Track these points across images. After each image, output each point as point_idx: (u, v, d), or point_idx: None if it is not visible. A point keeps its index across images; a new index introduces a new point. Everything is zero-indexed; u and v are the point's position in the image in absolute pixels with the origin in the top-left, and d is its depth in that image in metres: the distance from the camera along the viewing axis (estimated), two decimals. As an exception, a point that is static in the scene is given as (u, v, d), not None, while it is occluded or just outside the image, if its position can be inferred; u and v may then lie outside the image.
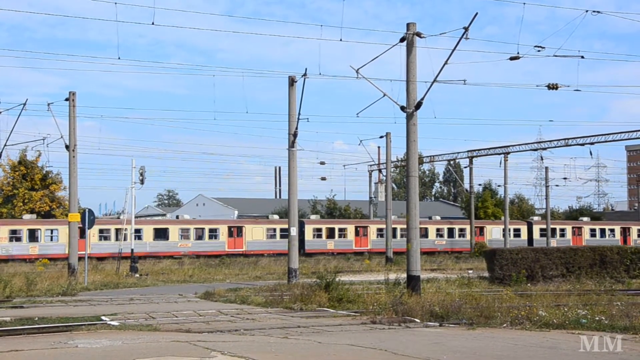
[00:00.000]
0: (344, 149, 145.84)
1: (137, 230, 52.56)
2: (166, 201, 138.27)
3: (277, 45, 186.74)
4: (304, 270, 36.11)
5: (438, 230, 67.72)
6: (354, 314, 18.58)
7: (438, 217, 71.78)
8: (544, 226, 70.28)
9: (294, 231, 31.29)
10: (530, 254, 31.01)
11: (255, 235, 58.68)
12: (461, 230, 68.55)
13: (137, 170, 41.50)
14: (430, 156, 77.00)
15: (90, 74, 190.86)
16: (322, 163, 68.69)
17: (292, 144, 31.03)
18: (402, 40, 23.40)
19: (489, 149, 68.52)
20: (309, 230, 61.55)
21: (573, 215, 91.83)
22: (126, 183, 61.44)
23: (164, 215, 79.14)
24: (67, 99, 34.87)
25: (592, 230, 73.51)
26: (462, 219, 75.90)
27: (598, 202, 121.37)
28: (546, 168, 75.16)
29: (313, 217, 68.93)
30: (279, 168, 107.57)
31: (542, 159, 75.53)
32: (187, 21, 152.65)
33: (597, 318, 15.69)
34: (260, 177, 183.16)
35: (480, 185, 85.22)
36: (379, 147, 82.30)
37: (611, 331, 14.38)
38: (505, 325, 15.64)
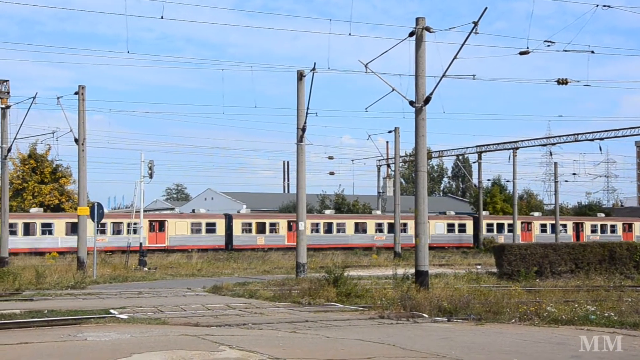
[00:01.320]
0: (352, 143, 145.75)
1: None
2: (175, 195, 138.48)
3: (286, 39, 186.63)
4: (312, 265, 36.12)
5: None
6: (362, 308, 18.58)
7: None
8: (491, 221, 69.83)
9: (302, 226, 31.30)
10: (539, 249, 30.95)
11: (179, 230, 57.04)
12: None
13: (146, 164, 41.55)
14: (439, 151, 76.87)
15: (100, 68, 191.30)
16: (331, 158, 68.79)
17: (300, 139, 31.01)
18: (411, 34, 23.35)
19: (498, 144, 68.35)
20: (237, 225, 59.41)
21: (582, 211, 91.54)
22: (135, 177, 61.62)
23: (173, 209, 79.25)
24: (76, 93, 34.92)
25: (543, 226, 72.53)
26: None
27: (607, 198, 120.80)
28: (555, 163, 74.91)
29: (243, 211, 67.26)
30: (288, 162, 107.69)
31: (551, 155, 75.35)
32: (196, 15, 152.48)
33: (606, 314, 15.64)
34: (269, 172, 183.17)
35: (489, 180, 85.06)
36: (387, 142, 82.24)
37: (620, 327, 14.34)
38: (513, 320, 15.61)
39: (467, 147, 71.62)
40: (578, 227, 73.54)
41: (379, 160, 75.94)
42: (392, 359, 10.46)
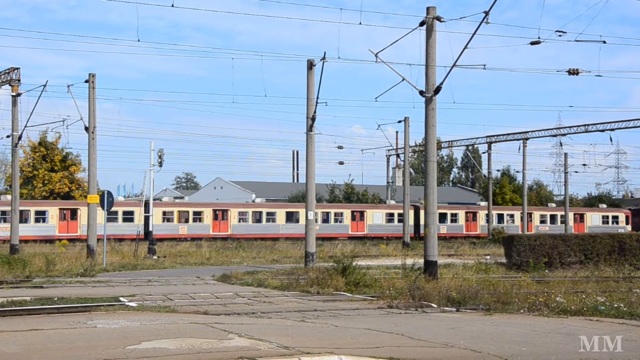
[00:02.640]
0: (362, 133, 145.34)
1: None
2: (184, 184, 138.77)
3: (296, 28, 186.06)
4: (320, 255, 36.18)
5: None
6: (370, 298, 18.59)
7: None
8: (441, 211, 66.01)
9: (311, 215, 31.33)
10: (549, 240, 30.90)
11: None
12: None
13: (156, 153, 41.66)
14: (449, 141, 76.71)
15: (110, 56, 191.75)
16: (340, 147, 68.62)
17: (310, 128, 31.00)
18: (421, 24, 23.27)
19: (508, 134, 68.17)
20: (157, 213, 54.64)
21: (591, 202, 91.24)
22: (145, 165, 61.65)
23: (182, 197, 79.45)
24: (86, 81, 35.02)
25: (510, 216, 71.15)
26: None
27: (617, 189, 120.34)
28: (565, 154, 74.70)
29: (165, 199, 64.54)
30: (297, 152, 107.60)
31: (561, 145, 75.18)
32: (206, 4, 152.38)
33: (615, 305, 15.60)
34: (278, 161, 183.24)
35: (498, 171, 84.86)
36: (397, 132, 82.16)
37: (630, 318, 14.31)
38: (522, 311, 15.59)
39: (477, 138, 71.47)
40: (527, 217, 70.46)
41: (389, 150, 75.85)
42: (400, 348, 10.46)
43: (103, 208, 31.87)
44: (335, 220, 62.45)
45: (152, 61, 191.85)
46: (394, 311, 15.95)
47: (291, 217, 61.38)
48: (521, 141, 65.79)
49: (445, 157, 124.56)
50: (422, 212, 63.47)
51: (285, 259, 37.20)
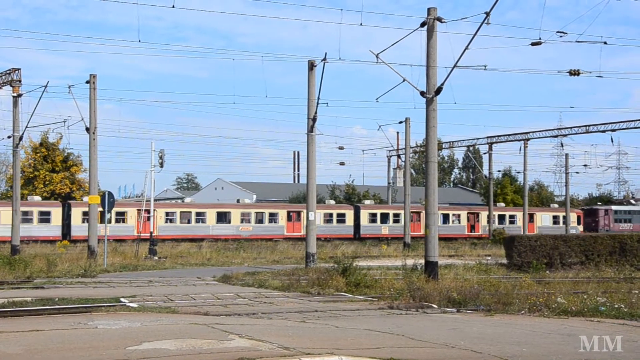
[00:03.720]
0: (363, 134, 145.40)
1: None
2: (185, 185, 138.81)
3: (297, 29, 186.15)
4: (321, 255, 36.18)
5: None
6: (371, 299, 18.59)
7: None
8: (374, 211, 64.83)
9: (312, 216, 31.33)
10: (549, 241, 30.91)
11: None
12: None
13: (157, 154, 41.72)
14: (450, 142, 76.71)
15: (111, 57, 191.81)
16: (341, 148, 68.59)
17: (311, 129, 31.00)
18: (422, 25, 23.28)
19: (509, 135, 68.16)
20: (76, 214, 52.51)
21: (593, 202, 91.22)
22: (145, 166, 61.58)
23: (183, 198, 79.49)
24: (87, 82, 35.05)
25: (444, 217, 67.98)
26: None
27: (618, 189, 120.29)
28: (566, 155, 74.67)
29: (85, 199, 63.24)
30: (298, 152, 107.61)
31: (562, 146, 75.05)
32: (206, 4, 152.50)
33: (616, 306, 15.61)
34: (279, 162, 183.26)
35: (499, 171, 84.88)
36: (397, 133, 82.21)
37: (631, 319, 14.31)
38: (523, 312, 15.60)
39: (477, 138, 71.45)
40: (474, 218, 69.21)
41: (390, 150, 75.85)
42: (401, 349, 10.47)
43: (104, 209, 31.87)
44: (271, 221, 59.82)
45: (153, 62, 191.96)
46: (394, 312, 15.95)
47: (223, 218, 58.34)
48: (522, 142, 65.79)
49: (446, 158, 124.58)
50: (362, 212, 63.05)
51: (286, 259, 37.22)
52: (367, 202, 68.86)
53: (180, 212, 57.05)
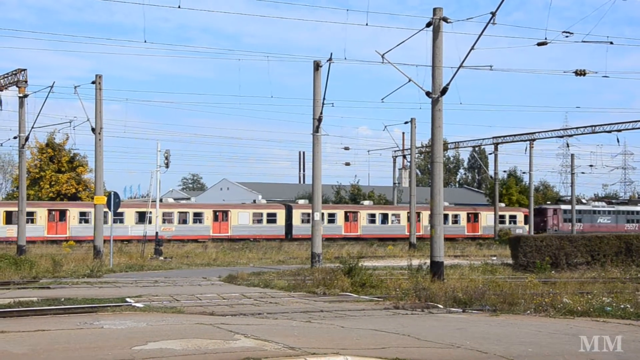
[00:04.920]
0: (368, 134, 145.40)
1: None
2: (191, 185, 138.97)
3: (303, 29, 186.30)
4: (327, 256, 36.18)
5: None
6: (376, 299, 18.58)
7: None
8: (307, 210, 60.57)
9: (317, 216, 31.35)
10: (555, 241, 30.86)
11: None
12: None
13: (162, 154, 41.80)
14: (455, 142, 76.74)
15: (117, 57, 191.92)
16: (347, 148, 68.65)
17: (316, 129, 31.01)
18: (428, 25, 23.28)
19: (515, 135, 68.13)
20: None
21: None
22: (151, 166, 61.63)
23: (189, 199, 79.55)
24: (93, 82, 35.11)
25: (372, 216, 65.28)
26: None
27: (624, 190, 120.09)
28: (572, 155, 74.60)
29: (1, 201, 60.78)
30: (303, 153, 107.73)
31: (568, 146, 74.99)
32: (213, 5, 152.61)
33: (622, 306, 15.56)
34: (285, 162, 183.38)
35: (505, 172, 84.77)
36: (403, 133, 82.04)
37: (637, 319, 14.28)
38: (528, 312, 15.57)
39: (483, 139, 71.47)
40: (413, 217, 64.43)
41: (395, 151, 75.86)
42: (407, 349, 10.46)
43: (110, 209, 31.93)
44: (195, 221, 57.44)
45: (159, 62, 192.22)
46: (400, 312, 15.94)
47: (142, 218, 54.77)
48: (528, 142, 65.75)
49: (452, 158, 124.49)
50: (294, 212, 61.36)
51: (292, 259, 37.22)
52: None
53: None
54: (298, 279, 23.19)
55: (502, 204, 75.08)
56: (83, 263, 30.26)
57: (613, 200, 78.90)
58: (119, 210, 52.95)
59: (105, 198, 33.12)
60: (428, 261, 23.95)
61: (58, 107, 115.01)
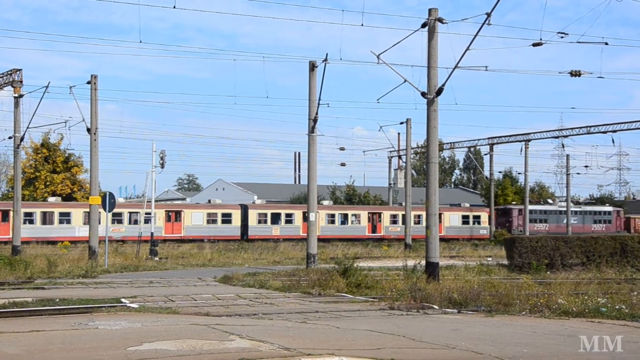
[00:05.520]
0: (363, 134, 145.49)
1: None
2: (186, 185, 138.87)
3: (298, 30, 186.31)
4: (322, 256, 36.17)
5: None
6: (372, 299, 18.58)
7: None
8: (265, 211, 60.91)
9: (313, 216, 31.33)
10: (550, 242, 30.90)
11: None
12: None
13: (158, 154, 41.75)
14: (451, 143, 76.77)
15: (112, 58, 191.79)
16: (342, 149, 68.57)
17: (312, 130, 30.99)
18: (423, 25, 23.28)
19: (510, 136, 68.20)
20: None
21: (593, 204, 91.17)
22: (146, 167, 61.57)
23: (184, 199, 79.49)
24: (88, 82, 35.05)
25: (331, 216, 63.24)
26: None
27: (619, 190, 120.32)
28: (567, 156, 74.74)
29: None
30: (299, 153, 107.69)
31: (563, 147, 74.96)
32: (208, 5, 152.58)
33: (617, 307, 15.60)
34: (280, 162, 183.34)
35: (500, 172, 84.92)
36: (398, 134, 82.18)
37: (632, 320, 14.30)
38: (524, 312, 15.59)
39: (478, 139, 71.54)
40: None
41: (391, 151, 75.87)
42: (402, 350, 10.46)
43: (105, 209, 31.86)
44: (147, 221, 54.46)
45: (155, 62, 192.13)
46: (395, 313, 15.94)
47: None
48: (523, 143, 65.81)
49: (447, 159, 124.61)
50: (250, 212, 59.48)
51: (287, 260, 37.21)
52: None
53: (41, 212, 53.10)
54: (293, 280, 23.18)
55: (467, 204, 74.59)
56: (78, 264, 30.19)
57: (580, 201, 78.01)
58: (68, 210, 53.07)
59: (101, 198, 33.05)
60: (423, 262, 23.94)
61: (53, 107, 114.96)
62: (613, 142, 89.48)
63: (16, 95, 38.10)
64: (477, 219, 69.50)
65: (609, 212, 75.20)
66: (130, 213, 55.67)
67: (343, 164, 73.55)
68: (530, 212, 68.44)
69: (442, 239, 61.14)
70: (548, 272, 27.76)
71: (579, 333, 12.34)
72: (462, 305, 16.74)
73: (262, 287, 22.02)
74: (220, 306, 16.84)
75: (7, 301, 16.64)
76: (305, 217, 60.21)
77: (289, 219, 61.21)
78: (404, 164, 61.21)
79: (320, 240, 57.22)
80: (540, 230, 68.39)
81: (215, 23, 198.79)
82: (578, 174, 77.84)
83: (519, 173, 78.29)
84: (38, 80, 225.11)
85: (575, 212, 73.78)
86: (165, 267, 31.96)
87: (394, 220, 65.31)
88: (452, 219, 67.86)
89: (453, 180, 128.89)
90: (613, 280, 24.73)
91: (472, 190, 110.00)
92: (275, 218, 60.75)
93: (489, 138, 69.48)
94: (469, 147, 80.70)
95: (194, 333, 11.56)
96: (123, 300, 17.45)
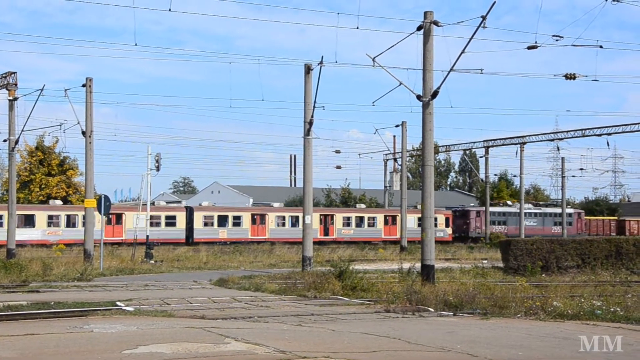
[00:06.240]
0: (359, 137, 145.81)
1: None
2: (182, 188, 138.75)
3: (294, 33, 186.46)
4: (318, 259, 36.15)
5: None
6: (367, 302, 18.58)
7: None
8: (211, 213, 59.21)
9: (308, 219, 31.32)
10: (546, 244, 30.91)
11: None
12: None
13: (153, 157, 41.66)
14: (446, 146, 76.95)
15: (107, 61, 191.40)
16: (338, 152, 68.77)
17: (307, 132, 30.99)
18: (419, 28, 23.31)
19: (505, 138, 68.36)
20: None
21: (589, 206, 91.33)
22: (142, 169, 61.47)
23: (179, 202, 79.36)
24: (83, 85, 34.96)
25: (282, 218, 61.83)
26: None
27: (614, 193, 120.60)
28: (562, 158, 74.88)
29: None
30: (294, 156, 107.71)
31: (558, 150, 75.18)
32: (203, 8, 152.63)
33: (612, 309, 15.62)
34: (276, 165, 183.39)
35: (495, 175, 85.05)
36: (394, 136, 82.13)
37: (626, 322, 14.32)
38: (519, 315, 15.60)
39: (474, 142, 71.79)
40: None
41: (386, 154, 75.95)
42: (397, 353, 10.47)
43: (100, 212, 31.80)
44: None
45: (150, 65, 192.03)
46: (391, 315, 15.94)
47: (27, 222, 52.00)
48: (518, 145, 65.97)
49: (443, 162, 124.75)
50: (196, 215, 57.79)
51: (283, 263, 37.19)
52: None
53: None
54: (289, 283, 23.15)
55: (419, 206, 73.21)
56: (73, 266, 30.11)
57: (540, 203, 77.35)
58: (29, 212, 51.56)
59: (96, 201, 32.99)
60: (419, 264, 23.95)
61: (48, 110, 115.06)
62: (608, 144, 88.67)
63: (11, 98, 38.03)
64: (434, 221, 67.62)
65: (570, 214, 74.27)
66: (67, 216, 53.78)
67: (339, 167, 73.76)
68: (489, 214, 67.99)
69: (395, 242, 60.83)
70: (543, 275, 27.78)
71: (574, 335, 12.36)
72: (458, 307, 16.74)
73: (257, 290, 22.00)
74: (216, 309, 16.83)
75: (2, 304, 16.60)
76: (254, 220, 60.16)
77: (237, 221, 59.44)
78: (400, 167, 61.32)
79: (270, 242, 56.82)
80: (498, 232, 67.63)
81: (211, 26, 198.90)
82: (573, 176, 78.08)
83: (515, 176, 78.55)
84: (33, 83, 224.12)
85: (535, 214, 72.73)
86: (160, 270, 31.91)
87: (347, 223, 63.88)
88: (410, 222, 64.31)
89: (449, 182, 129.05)
90: (608, 282, 24.74)
91: (467, 192, 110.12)
92: (223, 220, 59.08)
93: (484, 141, 69.70)
94: (465, 150, 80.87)
95: (189, 336, 11.55)
96: (118, 303, 17.42)
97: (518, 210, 69.21)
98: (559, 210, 72.59)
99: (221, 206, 65.03)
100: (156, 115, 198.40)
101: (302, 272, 27.83)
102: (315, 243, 57.08)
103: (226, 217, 59.33)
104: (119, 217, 54.75)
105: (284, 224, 61.56)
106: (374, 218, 65.48)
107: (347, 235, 62.93)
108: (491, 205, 70.60)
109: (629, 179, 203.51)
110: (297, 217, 60.67)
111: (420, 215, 65.95)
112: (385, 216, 66.31)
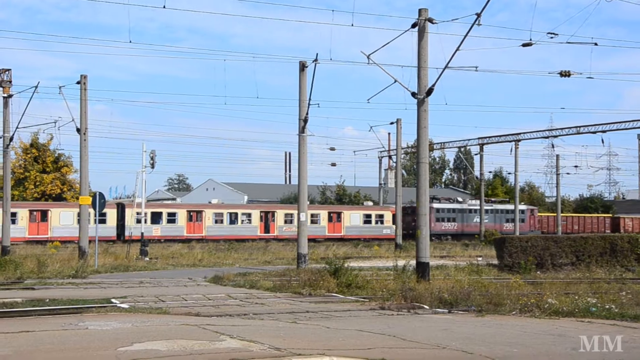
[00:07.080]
0: (354, 135, 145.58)
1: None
2: (176, 185, 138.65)
3: (289, 30, 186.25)
4: (313, 256, 36.16)
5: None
6: (362, 299, 18.59)
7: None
8: (138, 210, 54.93)
9: (303, 216, 31.31)
10: (540, 242, 30.97)
11: None
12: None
13: (148, 154, 41.64)
14: (441, 143, 76.92)
15: (102, 58, 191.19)
16: (332, 149, 68.60)
17: (302, 130, 30.97)
18: (413, 26, 23.30)
19: (500, 136, 68.42)
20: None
21: (584, 203, 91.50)
22: (137, 167, 61.26)
23: (174, 199, 79.32)
24: (78, 82, 34.89)
25: (219, 215, 60.35)
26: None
27: (609, 190, 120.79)
28: (557, 156, 74.98)
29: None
30: (289, 153, 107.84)
31: (553, 147, 75.21)
32: (198, 5, 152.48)
33: (607, 306, 15.65)
34: (270, 162, 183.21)
35: (490, 172, 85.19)
36: (389, 134, 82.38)
37: (621, 320, 14.35)
38: (514, 312, 15.62)
39: (469, 139, 71.77)
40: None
41: (381, 151, 76.01)
42: (392, 350, 10.47)
43: (95, 209, 31.75)
44: (13, 222, 49.72)
45: (144, 63, 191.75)
46: (386, 312, 15.95)
47: None
48: (513, 143, 66.00)
49: (438, 159, 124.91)
50: (127, 211, 55.14)
51: (278, 260, 37.17)
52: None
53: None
54: (284, 280, 23.15)
55: (370, 203, 72.71)
56: (68, 264, 30.05)
57: (492, 199, 76.94)
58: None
59: (91, 199, 32.94)
60: (413, 262, 23.97)
61: (43, 107, 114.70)
62: (602, 142, 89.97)
63: (5, 95, 37.95)
64: (380, 218, 66.35)
65: (523, 211, 73.46)
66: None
67: (334, 164, 73.68)
68: (438, 210, 66.51)
69: (341, 239, 60.32)
70: (538, 272, 27.84)
71: (569, 333, 12.39)
72: (453, 305, 16.75)
73: (252, 287, 21.99)
74: (211, 306, 16.82)
75: (-3, 302, 16.56)
76: (190, 217, 58.71)
77: (172, 218, 58.02)
78: (395, 164, 61.32)
79: (205, 241, 55.56)
80: (448, 230, 66.84)
81: (205, 23, 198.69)
82: (568, 174, 78.24)
83: (509, 173, 78.56)
84: (27, 80, 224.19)
85: (487, 211, 71.93)
86: (155, 267, 31.87)
87: (289, 220, 61.89)
88: (352, 218, 64.92)
89: (443, 180, 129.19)
90: (603, 280, 24.80)
91: (462, 190, 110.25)
92: (156, 218, 57.34)
93: (479, 138, 69.67)
94: (460, 147, 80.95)
95: (184, 333, 11.54)
96: (113, 300, 17.40)
97: (469, 207, 68.48)
98: (511, 207, 71.65)
99: (155, 203, 64.43)
100: (151, 113, 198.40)
101: (297, 269, 27.82)
102: (254, 240, 56.20)
103: (160, 214, 57.98)
104: (44, 214, 53.39)
105: (221, 221, 60.32)
106: (317, 215, 63.51)
107: (289, 233, 60.06)
108: (440, 201, 69.34)
109: (624, 177, 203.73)
110: (236, 214, 60.35)
111: (365, 212, 67.10)
112: (329, 213, 64.83)
